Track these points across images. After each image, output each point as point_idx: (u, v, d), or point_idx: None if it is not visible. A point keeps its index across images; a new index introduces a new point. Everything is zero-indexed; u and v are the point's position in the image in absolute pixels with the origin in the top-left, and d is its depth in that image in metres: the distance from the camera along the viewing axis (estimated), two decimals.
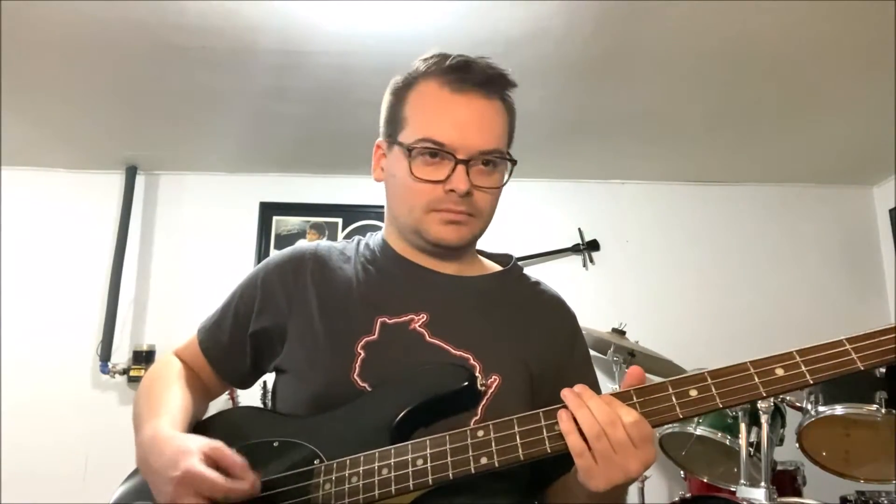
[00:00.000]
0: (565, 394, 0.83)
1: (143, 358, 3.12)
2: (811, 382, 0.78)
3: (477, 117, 0.97)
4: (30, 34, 2.15)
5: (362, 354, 0.96)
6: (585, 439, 0.79)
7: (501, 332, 1.01)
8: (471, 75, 0.97)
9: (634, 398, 0.82)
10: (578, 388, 0.84)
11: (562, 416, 0.82)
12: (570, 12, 2.06)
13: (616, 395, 0.83)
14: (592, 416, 0.79)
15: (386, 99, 1.05)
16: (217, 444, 0.86)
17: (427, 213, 0.98)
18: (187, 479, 0.82)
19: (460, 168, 0.95)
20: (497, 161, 0.99)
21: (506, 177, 1.03)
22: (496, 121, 0.99)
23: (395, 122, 1.01)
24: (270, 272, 1.07)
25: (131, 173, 3.31)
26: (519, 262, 1.15)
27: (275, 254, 1.11)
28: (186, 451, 0.85)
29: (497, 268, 1.12)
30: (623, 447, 0.78)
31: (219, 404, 1.12)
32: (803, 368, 0.79)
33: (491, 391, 0.94)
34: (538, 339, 1.03)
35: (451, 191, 0.95)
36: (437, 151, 0.95)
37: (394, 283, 1.04)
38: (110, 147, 3.12)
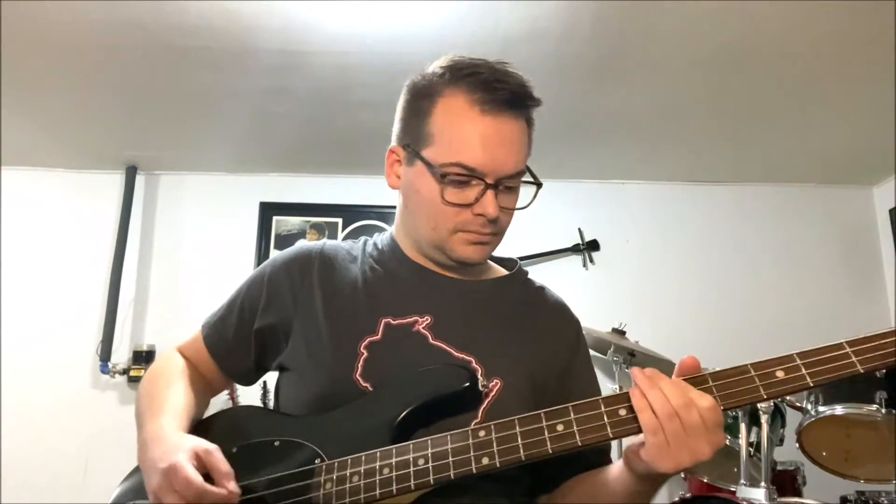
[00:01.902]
0: (636, 374, 0.82)
1: (143, 358, 3.12)
2: (811, 385, 0.78)
3: (506, 140, 0.95)
4: (30, 34, 2.15)
5: (365, 354, 0.96)
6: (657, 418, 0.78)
7: (504, 337, 1.01)
8: (500, 94, 0.94)
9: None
10: (649, 371, 0.82)
11: (634, 393, 0.81)
12: (569, 12, 2.06)
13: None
14: (665, 397, 0.78)
15: (404, 103, 1.02)
16: (210, 448, 0.87)
17: (453, 234, 0.98)
18: (169, 473, 0.83)
19: (489, 193, 0.94)
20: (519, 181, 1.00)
21: (529, 198, 1.02)
22: (522, 141, 0.97)
23: (417, 133, 0.97)
24: (277, 269, 1.07)
25: (131, 173, 3.31)
26: (521, 265, 1.15)
27: (281, 252, 1.11)
28: (178, 448, 0.86)
29: (502, 272, 1.12)
30: (695, 429, 0.77)
31: (219, 404, 1.12)
32: (804, 371, 0.79)
33: (492, 395, 0.94)
34: (541, 344, 1.03)
35: (480, 214, 0.95)
36: (468, 178, 0.94)
37: (400, 284, 1.04)
38: (110, 147, 3.12)
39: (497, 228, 0.99)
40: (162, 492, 0.83)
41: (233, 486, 0.84)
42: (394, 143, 1.04)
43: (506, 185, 0.97)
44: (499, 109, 0.94)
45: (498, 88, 0.94)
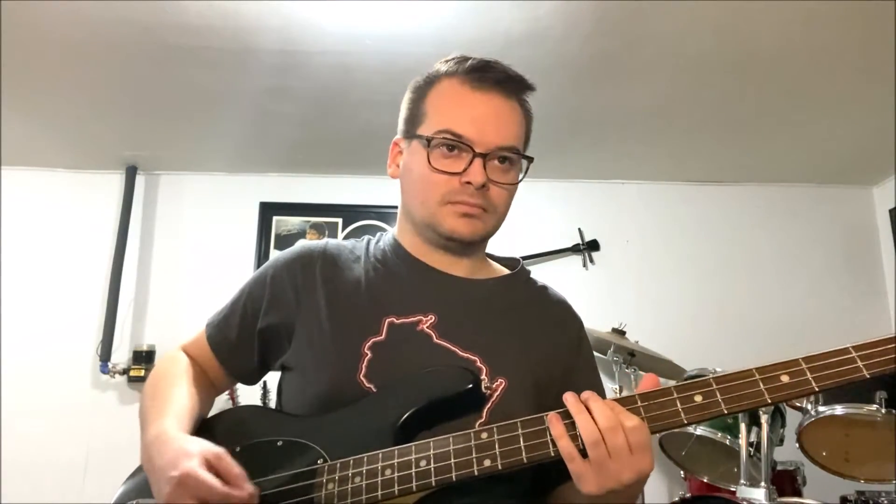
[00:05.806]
0: (567, 398, 0.83)
1: (143, 358, 3.12)
2: (816, 390, 0.78)
3: (495, 113, 0.99)
4: (30, 34, 2.15)
5: (369, 355, 0.96)
6: (582, 444, 0.79)
7: (508, 336, 1.01)
8: (490, 74, 0.99)
9: (639, 402, 0.82)
10: (585, 394, 0.83)
11: (552, 420, 0.82)
12: (569, 12, 2.06)
13: (620, 399, 0.83)
14: (593, 421, 0.79)
15: (406, 98, 1.07)
16: (219, 451, 0.86)
17: (442, 206, 0.98)
18: (185, 481, 0.82)
19: (477, 161, 0.96)
20: (513, 159, 1.01)
21: (520, 175, 1.04)
22: (513, 119, 1.01)
23: (414, 117, 1.03)
24: (280, 269, 1.07)
25: (131, 173, 3.31)
26: (524, 264, 1.15)
27: (284, 251, 1.11)
28: (188, 454, 0.85)
29: (505, 271, 1.12)
30: (619, 453, 0.78)
31: (219, 404, 1.12)
32: (809, 376, 0.78)
33: (497, 394, 0.94)
34: (544, 343, 1.03)
35: (468, 183, 0.96)
36: (455, 144, 0.96)
37: (402, 283, 1.04)
38: (110, 147, 3.12)
39: (487, 203, 0.99)
40: (178, 499, 0.82)
41: (250, 487, 0.84)
42: (397, 136, 1.08)
43: (498, 157, 0.98)
44: (488, 86, 0.99)
45: (489, 69, 1.00)
